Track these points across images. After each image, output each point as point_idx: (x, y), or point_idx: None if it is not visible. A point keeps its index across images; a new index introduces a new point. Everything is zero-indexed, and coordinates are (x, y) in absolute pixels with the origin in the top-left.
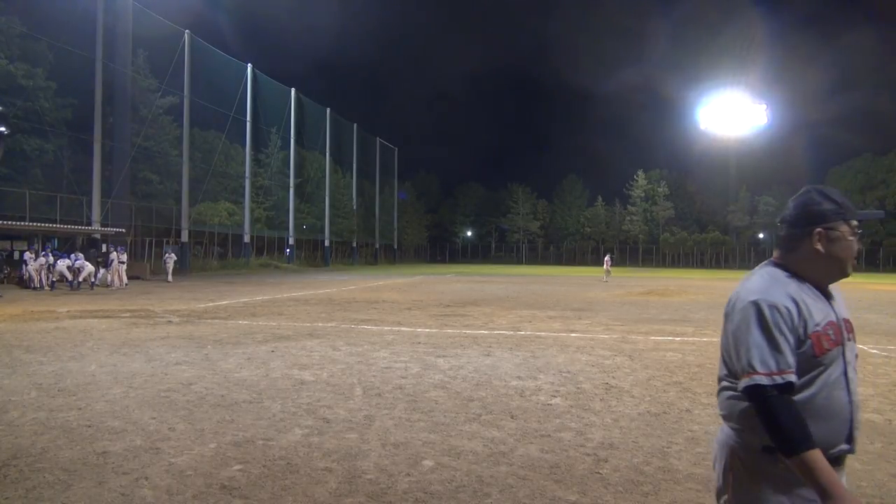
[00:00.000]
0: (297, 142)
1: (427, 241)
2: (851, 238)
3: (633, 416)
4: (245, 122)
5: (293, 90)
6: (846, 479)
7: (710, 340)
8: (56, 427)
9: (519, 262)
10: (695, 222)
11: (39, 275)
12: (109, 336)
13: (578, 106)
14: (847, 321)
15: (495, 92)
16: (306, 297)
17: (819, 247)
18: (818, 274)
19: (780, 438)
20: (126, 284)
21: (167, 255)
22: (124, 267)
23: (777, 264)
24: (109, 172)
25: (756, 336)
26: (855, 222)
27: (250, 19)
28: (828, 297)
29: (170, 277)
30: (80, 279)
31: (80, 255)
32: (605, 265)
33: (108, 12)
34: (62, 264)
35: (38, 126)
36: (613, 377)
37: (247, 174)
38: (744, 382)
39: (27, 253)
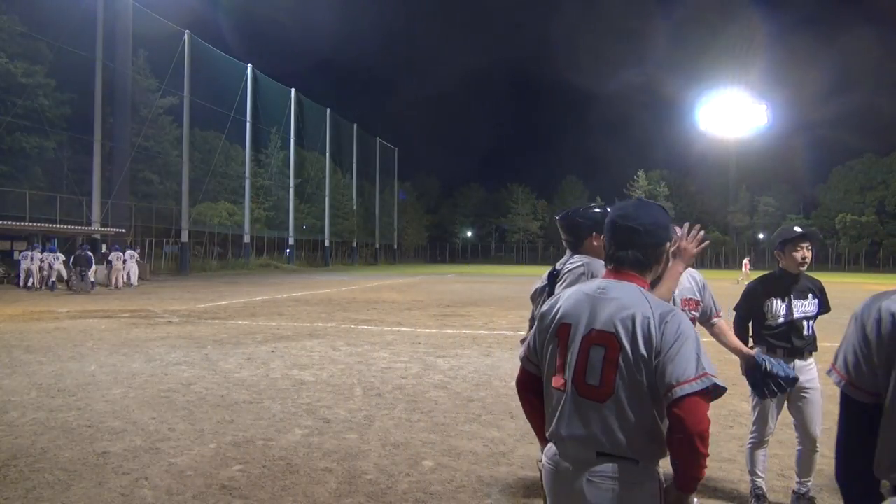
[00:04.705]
0: (297, 142)
1: (427, 242)
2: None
3: None
4: (245, 122)
5: (293, 90)
6: None
7: (709, 339)
8: (56, 427)
9: (519, 262)
10: (695, 222)
11: (41, 275)
12: (109, 336)
13: (578, 106)
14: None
15: (495, 92)
16: (306, 298)
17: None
18: None
19: None
20: (126, 285)
21: (112, 252)
22: (125, 267)
23: None
24: (109, 172)
25: None
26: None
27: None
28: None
29: (117, 283)
30: (81, 279)
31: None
32: (743, 268)
33: (108, 12)
34: (59, 262)
35: (38, 125)
36: None
37: (247, 174)
38: None
39: (28, 253)
